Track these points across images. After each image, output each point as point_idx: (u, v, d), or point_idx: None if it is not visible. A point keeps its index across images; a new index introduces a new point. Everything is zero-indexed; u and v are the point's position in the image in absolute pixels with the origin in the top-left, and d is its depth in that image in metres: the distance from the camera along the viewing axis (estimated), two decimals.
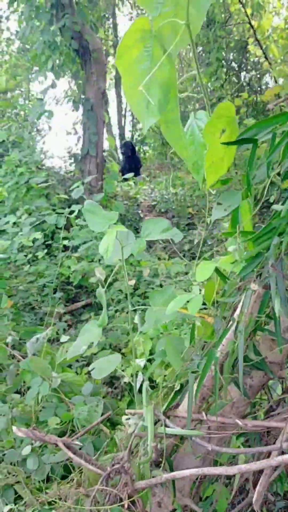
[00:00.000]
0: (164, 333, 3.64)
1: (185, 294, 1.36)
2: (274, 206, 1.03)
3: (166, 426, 1.19)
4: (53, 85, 6.49)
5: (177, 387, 1.25)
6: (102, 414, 2.05)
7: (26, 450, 1.73)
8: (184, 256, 6.77)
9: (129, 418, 1.33)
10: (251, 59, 12.44)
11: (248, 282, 1.09)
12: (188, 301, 1.32)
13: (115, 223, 1.49)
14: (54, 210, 5.31)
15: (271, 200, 1.19)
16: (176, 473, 1.07)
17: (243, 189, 1.14)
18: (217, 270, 1.26)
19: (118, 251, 1.56)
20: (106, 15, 13.03)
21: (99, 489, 1.30)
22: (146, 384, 1.28)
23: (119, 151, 12.23)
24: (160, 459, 1.22)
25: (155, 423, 1.23)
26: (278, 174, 1.05)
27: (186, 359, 1.34)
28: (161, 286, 4.87)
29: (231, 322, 1.15)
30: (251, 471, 0.95)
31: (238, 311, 1.15)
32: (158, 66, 0.86)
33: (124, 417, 1.35)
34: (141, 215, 8.06)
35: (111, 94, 14.88)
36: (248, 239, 1.06)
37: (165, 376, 1.40)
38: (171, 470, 1.28)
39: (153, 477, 1.17)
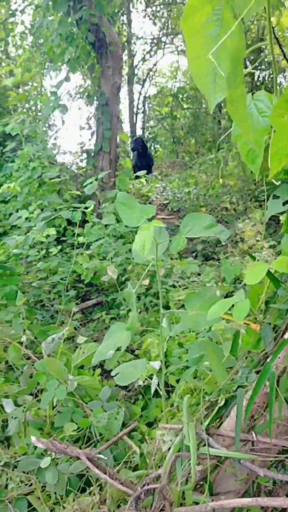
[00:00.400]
0: (180, 335, 3.51)
1: (229, 298, 1.23)
2: None
3: (209, 446, 1.06)
4: (67, 79, 6.37)
5: (221, 403, 1.12)
6: (123, 423, 1.92)
7: (45, 462, 1.60)
8: (196, 256, 6.64)
9: (163, 434, 1.19)
10: (268, 58, 12.27)
11: None
12: (232, 306, 1.19)
13: (150, 218, 1.36)
14: (66, 205, 5.19)
15: None
16: (225, 502, 0.94)
17: None
18: (269, 273, 1.12)
19: (152, 249, 1.42)
20: (121, 11, 12.89)
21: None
22: (186, 398, 1.15)
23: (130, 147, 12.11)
24: (201, 482, 1.09)
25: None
26: None
27: (228, 370, 1.20)
28: (173, 286, 4.74)
29: None
30: None
31: None
32: (229, 33, 0.72)
33: (158, 433, 1.21)
34: (155, 207, 7.92)
35: (123, 91, 14.75)
36: None
37: (205, 392, 1.27)
38: (211, 493, 1.15)
39: (195, 502, 1.04)
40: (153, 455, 1.30)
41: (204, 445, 1.06)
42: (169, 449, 1.15)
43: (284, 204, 1.04)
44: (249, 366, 1.11)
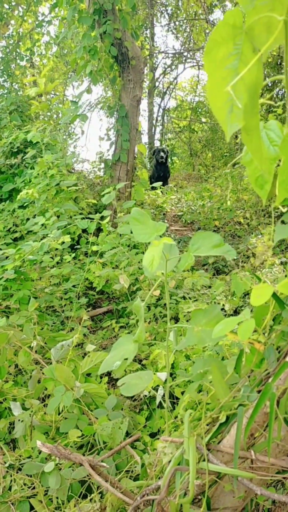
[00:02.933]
0: (187, 348, 3.53)
1: (235, 317, 1.26)
2: None
3: (209, 461, 1.09)
4: (88, 90, 6.50)
5: (223, 420, 1.15)
6: (127, 433, 1.95)
7: (49, 467, 1.64)
8: (207, 269, 6.67)
9: (165, 446, 1.23)
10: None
11: None
12: (238, 325, 1.22)
13: (162, 234, 1.41)
14: (81, 214, 5.28)
15: None
16: None
17: None
18: (274, 294, 1.16)
19: (161, 265, 1.47)
20: (145, 25, 13.09)
21: None
22: (188, 413, 1.18)
23: (147, 159, 12.20)
24: (198, 496, 1.12)
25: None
26: None
27: (230, 387, 1.24)
28: (184, 298, 4.78)
29: None
30: None
31: None
32: (248, 68, 0.77)
33: (159, 445, 1.25)
34: (167, 225, 7.98)
35: (143, 103, 14.94)
36: None
37: (207, 408, 1.31)
38: (209, 508, 1.17)
39: None
40: (154, 466, 1.33)
41: (204, 460, 1.09)
42: (169, 461, 1.18)
43: None
44: (251, 385, 1.14)
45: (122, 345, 1.58)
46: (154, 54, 14.06)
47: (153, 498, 1.10)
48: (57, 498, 1.76)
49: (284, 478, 1.10)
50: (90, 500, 1.70)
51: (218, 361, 1.36)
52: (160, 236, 1.46)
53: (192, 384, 1.47)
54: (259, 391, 1.08)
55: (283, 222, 1.10)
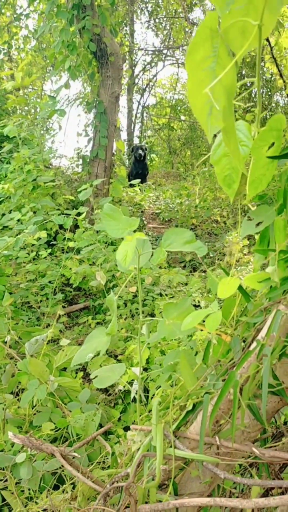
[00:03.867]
0: (162, 343, 3.58)
1: (203, 309, 1.31)
2: None
3: (175, 447, 1.13)
4: (66, 85, 6.46)
5: (189, 407, 1.19)
6: (101, 426, 1.98)
7: (21, 457, 1.66)
8: (184, 266, 6.73)
9: (134, 434, 1.26)
10: (265, 76, 12.50)
11: (275, 304, 1.04)
12: (206, 317, 1.26)
13: (135, 230, 1.44)
14: (58, 210, 5.26)
15: None
16: (186, 500, 1.01)
17: (276, 205, 1.09)
18: (240, 287, 1.21)
19: (134, 260, 1.50)
20: (124, 21, 13.07)
21: (96, 508, 1.24)
22: (156, 401, 1.22)
23: (126, 156, 12.20)
24: (165, 482, 1.16)
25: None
26: None
27: (198, 376, 1.28)
28: (160, 295, 4.83)
29: (253, 344, 1.09)
30: (270, 507, 0.89)
31: (262, 333, 1.09)
32: (226, 71, 0.81)
33: (129, 433, 1.28)
34: (145, 222, 8.02)
35: (122, 100, 14.92)
36: (280, 259, 1.01)
37: (163, 393, 1.35)
38: (176, 493, 1.21)
39: (158, 501, 1.11)
40: (124, 455, 1.36)
41: (171, 446, 1.13)
42: (138, 449, 1.22)
43: (256, 225, 1.13)
44: (217, 374, 1.19)
45: (95, 338, 1.60)
46: (134, 51, 14.05)
47: (122, 485, 1.13)
48: (29, 489, 1.77)
49: (247, 462, 1.15)
50: (63, 491, 1.73)
51: (187, 352, 1.40)
52: (134, 232, 1.49)
53: (163, 375, 1.50)
54: (224, 380, 1.12)
55: (249, 218, 1.14)
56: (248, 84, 13.68)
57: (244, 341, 1.19)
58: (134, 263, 1.53)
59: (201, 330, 1.67)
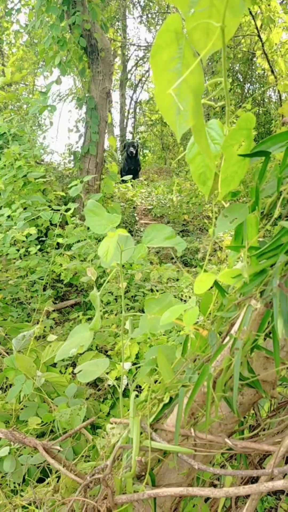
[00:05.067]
0: (152, 338, 3.62)
1: (181, 304, 1.33)
2: (282, 223, 1.00)
3: (152, 439, 1.15)
4: (57, 81, 6.45)
5: (166, 400, 1.21)
6: (85, 418, 2.01)
7: (4, 451, 1.68)
8: (175, 262, 6.76)
9: (113, 427, 1.29)
10: (257, 72, 12.53)
11: (248, 299, 1.06)
12: (183, 312, 1.29)
13: (116, 226, 1.46)
14: (50, 206, 5.26)
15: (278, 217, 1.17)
16: (160, 490, 1.04)
17: (250, 202, 1.12)
18: (216, 283, 1.23)
19: (117, 255, 1.52)
20: (117, 17, 13.03)
21: (76, 499, 1.26)
22: (133, 394, 1.25)
23: (118, 152, 12.20)
24: (143, 473, 1.19)
25: (140, 435, 1.20)
26: None
27: (176, 370, 1.30)
28: (151, 290, 4.86)
29: (227, 338, 1.12)
30: (240, 495, 0.92)
31: (235, 328, 1.12)
32: (190, 70, 0.82)
33: (108, 426, 1.31)
34: (137, 218, 8.04)
35: (115, 95, 14.89)
36: (252, 255, 1.03)
37: (149, 387, 1.38)
38: (153, 484, 1.24)
39: (135, 491, 1.13)
40: (106, 447, 1.39)
41: (147, 438, 1.16)
42: (117, 441, 1.25)
43: (231, 222, 1.15)
44: (195, 368, 1.21)
45: (78, 333, 1.62)
46: (126, 46, 14.02)
47: (101, 476, 1.16)
48: (14, 483, 1.80)
49: (221, 453, 1.18)
50: (47, 484, 1.75)
51: (166, 347, 1.42)
52: (116, 228, 1.51)
53: (143, 368, 1.53)
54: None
55: (225, 215, 1.16)
56: (241, 80, 13.64)
57: (221, 336, 1.22)
58: (117, 259, 1.55)
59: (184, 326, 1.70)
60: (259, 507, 2.01)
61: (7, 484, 1.81)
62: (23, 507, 1.70)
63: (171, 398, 1.22)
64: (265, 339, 1.33)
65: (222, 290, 1.22)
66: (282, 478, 1.06)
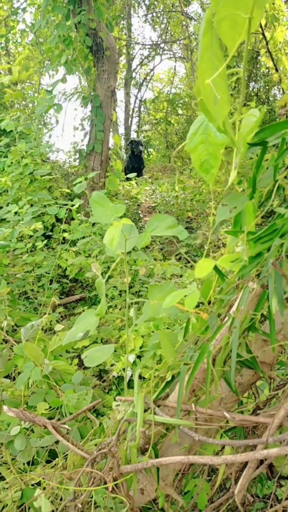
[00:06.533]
0: (156, 331, 3.68)
1: (183, 290, 1.41)
2: (277, 209, 1.07)
3: (155, 414, 1.23)
4: (63, 80, 6.53)
5: (169, 378, 1.29)
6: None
7: (15, 430, 1.77)
8: (179, 259, 6.83)
9: (119, 405, 1.37)
10: (261, 70, 12.56)
11: (246, 281, 1.13)
12: (185, 297, 1.36)
13: (121, 216, 1.53)
14: (55, 203, 5.35)
15: (275, 206, 1.24)
16: (162, 459, 1.11)
17: (248, 192, 1.19)
18: (215, 268, 1.30)
19: (121, 244, 1.59)
20: (122, 15, 13.09)
21: (84, 472, 1.34)
22: (138, 372, 1.32)
23: (123, 150, 12.27)
24: (147, 446, 1.26)
25: (145, 411, 1.27)
26: (285, 177, 1.10)
27: (179, 351, 1.38)
28: None
29: (226, 318, 1.19)
30: (236, 462, 0.99)
31: (234, 308, 1.19)
32: (219, 60, 0.90)
33: (114, 403, 1.38)
34: (141, 216, 8.11)
35: (120, 94, 14.97)
36: (249, 239, 1.10)
37: (156, 369, 1.45)
38: (157, 457, 1.32)
39: (139, 462, 1.21)
40: (112, 425, 1.47)
41: (151, 413, 1.23)
42: (122, 417, 1.32)
43: (230, 211, 1.22)
44: (195, 348, 1.29)
45: (84, 319, 1.70)
46: (131, 45, 14.08)
47: (108, 449, 1.23)
48: (23, 463, 1.88)
49: (220, 427, 1.25)
50: (55, 465, 1.83)
51: (169, 332, 1.50)
52: (120, 218, 1.58)
53: (148, 352, 1.61)
54: None
55: (224, 204, 1.23)
56: (246, 78, 13.69)
57: (220, 317, 1.29)
58: (122, 248, 1.62)
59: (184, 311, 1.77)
60: (259, 490, 2.08)
61: (17, 465, 1.89)
62: (33, 484, 1.78)
63: (173, 377, 1.29)
64: (262, 322, 1.41)
65: (222, 274, 1.29)
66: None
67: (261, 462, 1.50)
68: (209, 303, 1.37)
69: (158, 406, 1.29)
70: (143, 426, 1.20)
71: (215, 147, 1.18)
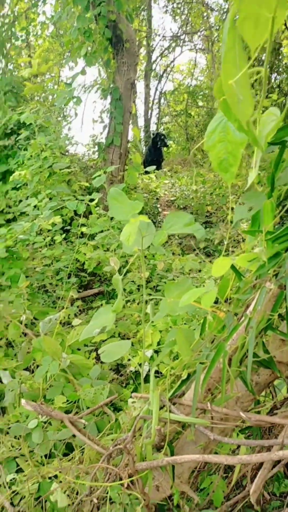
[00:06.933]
0: (173, 327, 3.68)
1: (200, 288, 1.40)
2: None
3: (170, 412, 1.23)
4: (83, 72, 6.52)
5: (184, 376, 1.29)
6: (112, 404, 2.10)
7: (33, 423, 1.79)
8: (197, 254, 6.78)
9: (134, 402, 1.37)
10: (284, 62, 12.32)
11: (263, 281, 1.12)
12: (202, 295, 1.35)
13: (138, 213, 1.53)
14: (74, 196, 5.37)
15: None
16: (177, 457, 1.11)
17: (266, 190, 1.17)
18: (233, 266, 1.29)
19: (138, 241, 1.59)
20: (142, 7, 12.98)
21: (100, 467, 1.35)
22: (153, 370, 1.32)
23: (142, 142, 12.24)
24: (162, 444, 1.27)
25: (160, 409, 1.27)
26: None
27: (195, 350, 1.37)
28: (173, 280, 4.90)
29: (243, 318, 1.18)
30: (251, 463, 0.98)
31: (251, 308, 1.18)
32: (242, 60, 0.89)
33: (130, 400, 1.39)
34: (160, 209, 8.09)
35: (140, 86, 14.89)
36: (267, 239, 1.09)
37: (172, 367, 1.45)
38: (172, 455, 1.32)
39: (154, 460, 1.21)
40: (128, 421, 1.48)
41: (166, 411, 1.24)
42: (138, 414, 1.33)
43: (249, 210, 1.21)
44: (212, 347, 1.28)
45: (101, 315, 1.71)
46: (151, 36, 13.96)
47: (123, 446, 1.24)
48: (41, 456, 1.91)
49: (236, 426, 1.25)
50: (72, 458, 1.86)
51: (185, 329, 1.49)
52: (137, 214, 1.58)
53: (164, 349, 1.61)
54: None
55: (242, 203, 1.22)
56: (272, 76, 13.40)
57: (236, 316, 1.28)
58: (138, 244, 1.62)
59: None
60: (276, 488, 2.07)
61: (35, 458, 1.92)
62: (50, 478, 1.81)
63: (189, 375, 1.29)
64: (282, 321, 1.39)
65: (239, 274, 1.28)
66: None
67: (278, 461, 1.49)
68: (226, 301, 1.36)
69: (174, 404, 1.29)
70: (158, 423, 1.21)
71: (234, 145, 1.17)
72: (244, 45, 0.94)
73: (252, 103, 0.98)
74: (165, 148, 12.75)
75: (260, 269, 1.11)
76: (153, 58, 14.56)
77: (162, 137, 10.28)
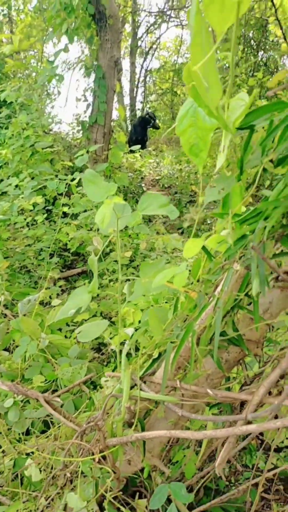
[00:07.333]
0: (154, 305, 3.72)
1: (173, 268, 1.42)
2: (264, 191, 1.07)
3: (141, 390, 1.26)
4: (65, 49, 6.38)
5: (156, 355, 1.32)
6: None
7: (8, 402, 1.82)
8: (182, 233, 6.83)
9: (107, 380, 1.40)
10: (271, 39, 12.22)
11: (231, 262, 1.14)
12: (174, 275, 1.37)
13: (113, 194, 1.53)
14: (57, 176, 5.32)
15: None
16: (146, 433, 1.15)
17: (235, 173, 1.18)
18: (204, 248, 1.31)
19: (114, 222, 1.60)
20: None
21: (73, 443, 1.39)
22: (126, 349, 1.35)
23: (128, 121, 12.10)
24: (133, 421, 1.30)
25: (132, 387, 1.31)
26: (271, 161, 1.09)
27: (167, 329, 1.40)
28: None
29: (211, 298, 1.20)
30: (218, 437, 1.02)
31: (219, 289, 1.20)
32: (208, 45, 0.89)
33: (103, 379, 1.42)
34: (144, 189, 8.07)
35: (125, 63, 14.65)
36: (235, 221, 1.10)
37: (144, 346, 1.48)
38: (143, 431, 1.36)
39: (125, 436, 1.25)
40: (101, 399, 1.51)
41: (137, 389, 1.27)
42: (111, 392, 1.36)
43: (219, 192, 1.22)
44: (182, 326, 1.31)
45: (77, 296, 1.72)
46: (137, 12, 13.66)
47: (94, 423, 1.27)
48: (19, 434, 1.94)
49: (206, 403, 1.29)
50: (49, 435, 1.90)
51: (158, 309, 1.52)
52: (112, 196, 1.58)
53: (139, 329, 1.63)
54: None
55: (212, 186, 1.23)
56: (254, 47, 13.27)
57: (208, 297, 1.30)
58: (114, 226, 1.63)
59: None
60: (248, 460, 2.15)
61: (12, 435, 1.96)
62: (27, 454, 1.85)
63: (160, 354, 1.32)
64: (250, 303, 1.42)
65: (209, 255, 1.30)
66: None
67: (248, 435, 1.54)
68: (198, 281, 1.38)
69: (145, 382, 1.33)
70: (129, 401, 1.24)
71: (204, 131, 1.17)
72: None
73: (220, 88, 0.97)
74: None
75: (227, 251, 1.13)
76: (139, 34, 14.30)
77: (153, 120, 10.19)
